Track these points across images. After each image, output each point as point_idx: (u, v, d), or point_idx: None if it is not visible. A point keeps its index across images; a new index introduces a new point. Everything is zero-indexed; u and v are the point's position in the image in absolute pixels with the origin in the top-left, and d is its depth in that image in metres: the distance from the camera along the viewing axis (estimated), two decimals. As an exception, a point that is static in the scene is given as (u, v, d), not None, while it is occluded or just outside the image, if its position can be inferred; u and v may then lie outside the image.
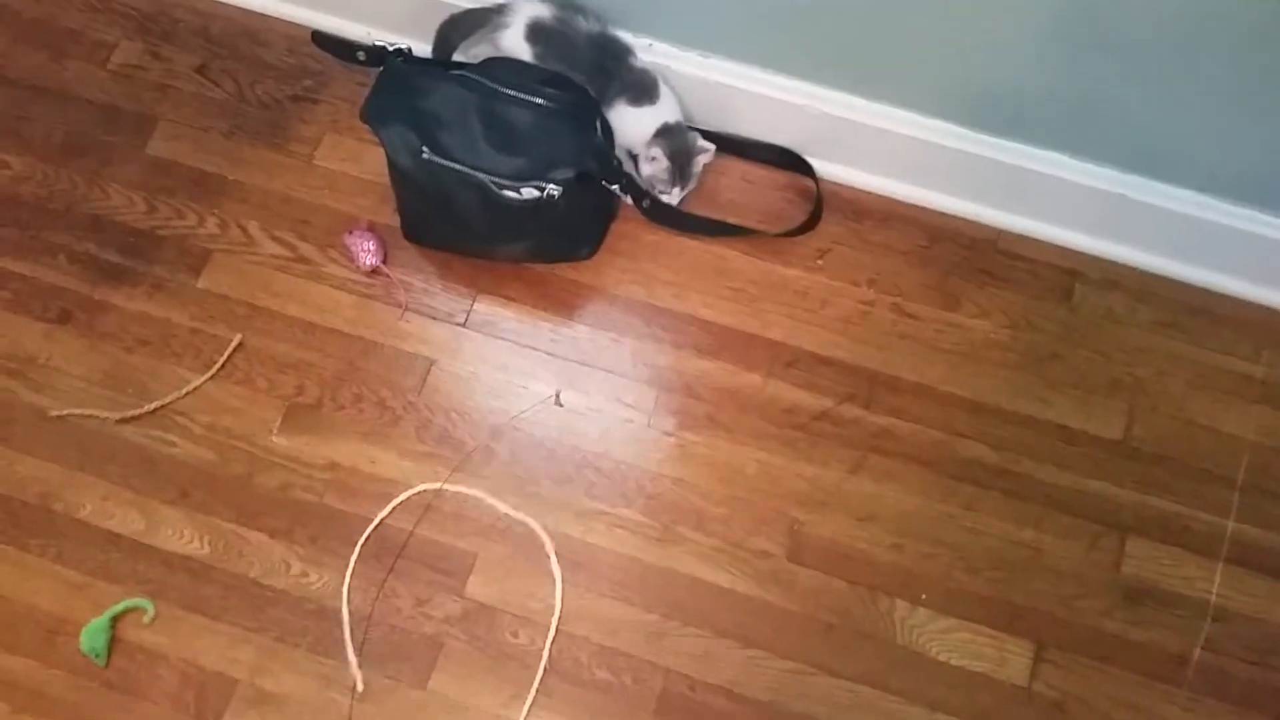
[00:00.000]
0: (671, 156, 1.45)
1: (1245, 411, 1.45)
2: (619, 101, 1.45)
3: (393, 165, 1.40)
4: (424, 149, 1.35)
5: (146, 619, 1.36)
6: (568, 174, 1.36)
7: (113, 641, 1.34)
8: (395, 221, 1.54)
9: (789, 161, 1.56)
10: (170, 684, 1.33)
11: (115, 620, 1.35)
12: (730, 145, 1.56)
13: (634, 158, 1.51)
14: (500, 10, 1.46)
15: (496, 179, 1.35)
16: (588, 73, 1.43)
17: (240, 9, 1.70)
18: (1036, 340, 1.49)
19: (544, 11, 1.44)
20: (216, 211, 1.57)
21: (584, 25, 1.43)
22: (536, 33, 1.43)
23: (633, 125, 1.46)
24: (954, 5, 1.25)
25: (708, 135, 1.53)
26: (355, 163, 1.59)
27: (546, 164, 1.36)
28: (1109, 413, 1.45)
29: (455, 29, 1.49)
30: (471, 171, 1.36)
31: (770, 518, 1.40)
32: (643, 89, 1.45)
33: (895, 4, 1.29)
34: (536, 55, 1.44)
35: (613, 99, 1.45)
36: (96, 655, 1.33)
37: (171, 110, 1.64)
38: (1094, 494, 1.41)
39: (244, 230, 1.56)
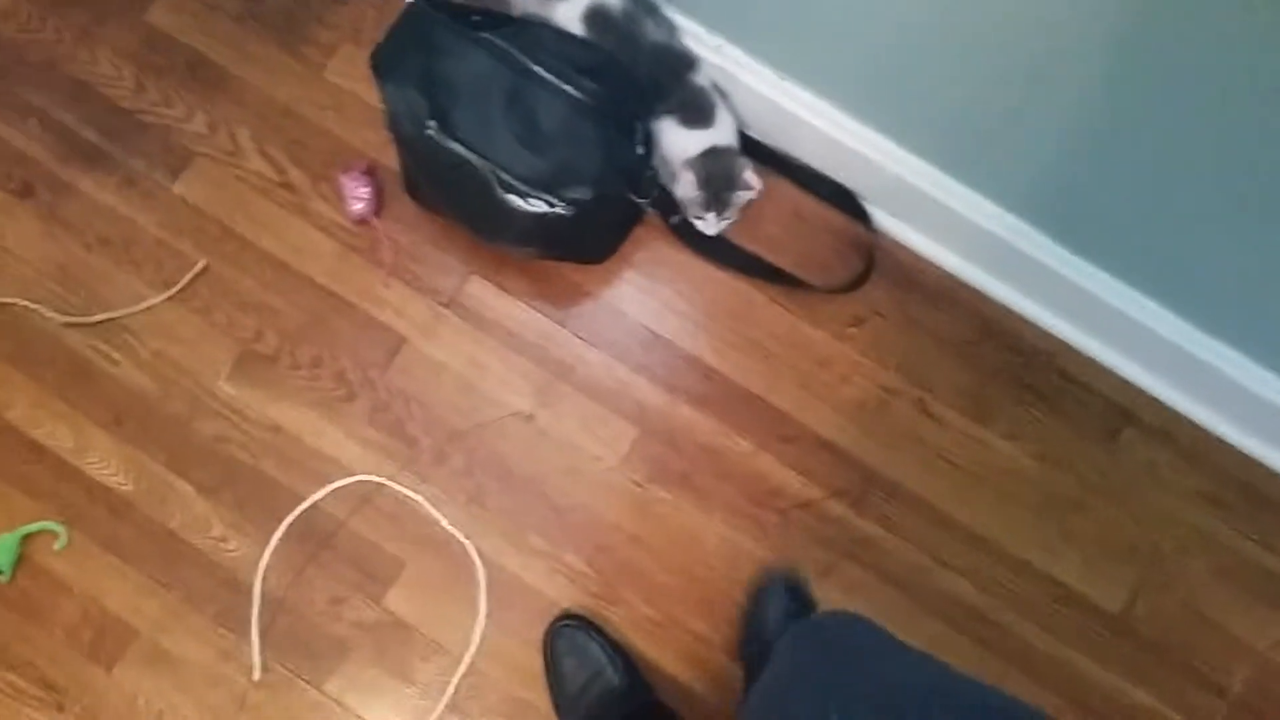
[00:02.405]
0: (705, 183, 1.25)
1: (1264, 617, 1.31)
2: (668, 118, 1.25)
3: (392, 127, 1.21)
4: (430, 122, 1.17)
5: (58, 545, 1.29)
6: (584, 194, 1.17)
7: (20, 559, 1.29)
8: (399, 167, 1.36)
9: (847, 204, 1.36)
10: (70, 616, 1.28)
11: (25, 539, 1.29)
12: (787, 168, 1.36)
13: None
14: None
15: (505, 177, 1.17)
16: (642, 82, 1.22)
17: None
18: (1064, 481, 1.33)
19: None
20: (208, 108, 1.40)
21: (650, 30, 1.22)
22: (596, 19, 1.22)
23: (678, 144, 1.27)
24: (1067, 107, 1.02)
25: (764, 150, 1.33)
26: (370, 86, 1.38)
27: (565, 174, 1.17)
28: (1114, 581, 1.31)
29: None
30: (479, 160, 1.17)
31: (718, 601, 1.30)
32: (697, 111, 1.25)
33: (1000, 87, 1.05)
34: None
35: (662, 114, 1.25)
36: (0, 571, 1.28)
37: (182, -28, 1.43)
38: (1071, 666, 1.29)
39: (233, 137, 1.39)
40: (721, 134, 1.27)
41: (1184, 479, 1.33)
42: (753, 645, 1.22)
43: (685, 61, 1.25)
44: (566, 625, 1.25)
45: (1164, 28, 0.88)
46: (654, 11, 1.23)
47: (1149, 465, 1.33)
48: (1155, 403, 1.34)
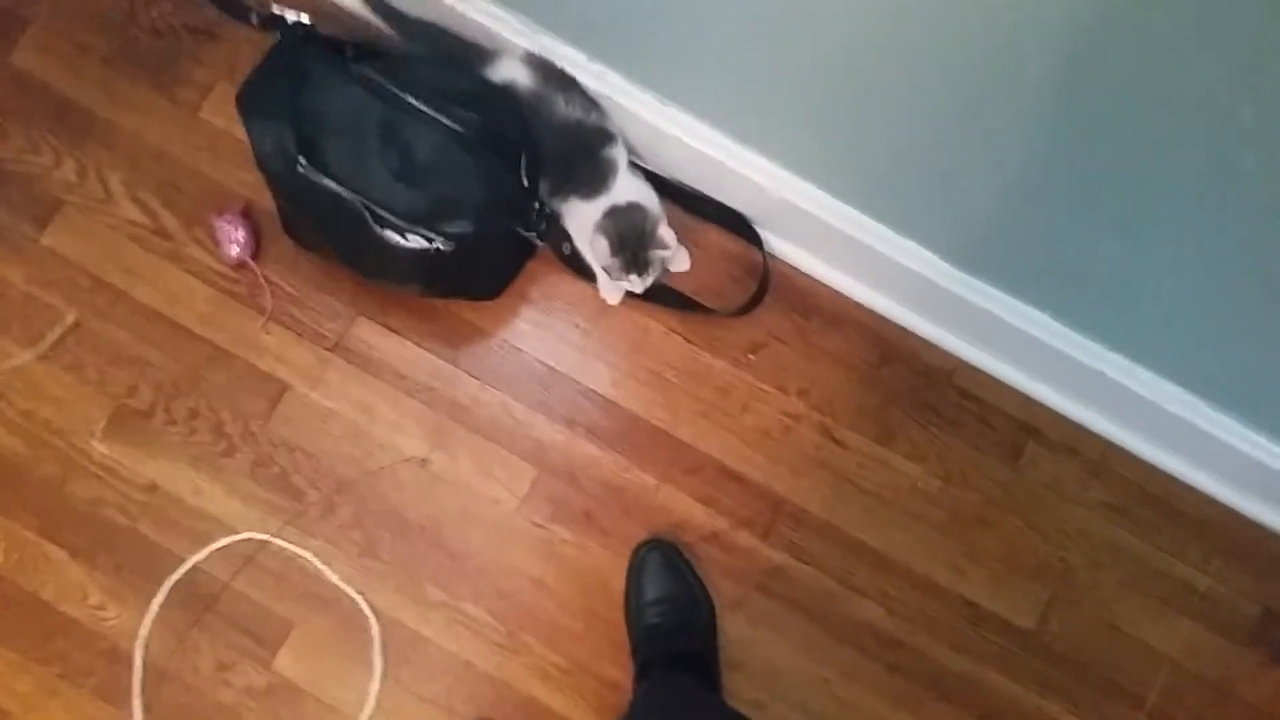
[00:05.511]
0: (619, 244, 1.20)
1: (1175, 624, 1.30)
2: (572, 197, 1.22)
3: (261, 166, 1.16)
4: (300, 158, 1.12)
5: (-84, 625, 1.21)
6: (465, 228, 1.14)
7: (-126, 642, 1.20)
8: (275, 208, 1.31)
9: (739, 228, 1.34)
10: (-68, 701, 1.19)
11: (-120, 620, 1.21)
12: (677, 196, 1.34)
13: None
14: (482, 55, 1.20)
15: (380, 212, 1.13)
16: (549, 161, 1.19)
17: (153, -99, 1.42)
18: (968, 499, 1.31)
19: (524, 78, 1.18)
20: (77, 154, 1.34)
21: (562, 109, 1.18)
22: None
23: (585, 219, 1.23)
24: (947, 124, 1.01)
25: (652, 177, 1.30)
26: (248, 125, 1.35)
27: (444, 207, 1.14)
28: (1026, 598, 1.29)
29: (423, 32, 1.23)
30: (352, 196, 1.13)
31: (627, 644, 1.25)
32: (596, 182, 1.21)
33: (887, 108, 1.05)
34: None
35: (567, 194, 1.22)
36: None
37: (48, 14, 1.38)
38: (987, 687, 1.27)
39: (104, 184, 1.33)
40: (623, 193, 1.23)
41: (1090, 492, 1.33)
42: (637, 634, 1.21)
43: (600, 138, 1.21)
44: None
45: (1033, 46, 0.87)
46: (568, 89, 1.19)
47: (1054, 480, 1.33)
48: (1058, 417, 1.34)
